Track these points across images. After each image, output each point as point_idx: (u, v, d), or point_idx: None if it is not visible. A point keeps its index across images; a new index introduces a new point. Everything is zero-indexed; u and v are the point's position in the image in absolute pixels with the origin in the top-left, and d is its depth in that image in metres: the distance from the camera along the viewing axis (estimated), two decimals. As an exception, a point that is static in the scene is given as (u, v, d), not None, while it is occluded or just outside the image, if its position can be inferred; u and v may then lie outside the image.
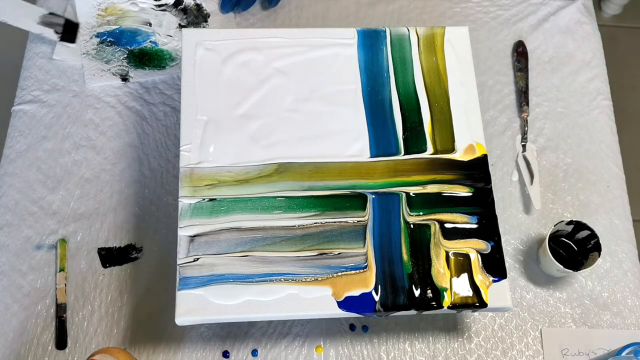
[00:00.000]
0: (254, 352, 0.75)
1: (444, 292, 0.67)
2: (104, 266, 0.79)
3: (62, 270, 0.78)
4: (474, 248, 0.69)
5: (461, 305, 0.66)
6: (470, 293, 0.67)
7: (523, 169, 0.87)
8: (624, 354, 0.65)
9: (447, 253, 0.68)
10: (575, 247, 0.80)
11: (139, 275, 0.79)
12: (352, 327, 0.77)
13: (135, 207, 0.82)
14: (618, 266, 0.82)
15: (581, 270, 0.76)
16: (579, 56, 0.96)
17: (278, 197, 0.70)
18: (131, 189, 0.83)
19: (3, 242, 0.80)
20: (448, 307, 0.66)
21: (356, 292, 0.66)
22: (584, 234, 0.78)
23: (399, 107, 0.76)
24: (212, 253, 0.67)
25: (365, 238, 0.68)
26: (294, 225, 0.69)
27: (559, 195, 0.86)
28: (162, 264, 0.79)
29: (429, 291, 0.67)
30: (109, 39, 0.92)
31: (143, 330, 0.76)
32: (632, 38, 1.69)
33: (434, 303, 0.66)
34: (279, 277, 0.66)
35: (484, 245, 0.69)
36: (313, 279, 0.66)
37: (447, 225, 0.70)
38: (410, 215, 0.70)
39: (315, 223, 0.69)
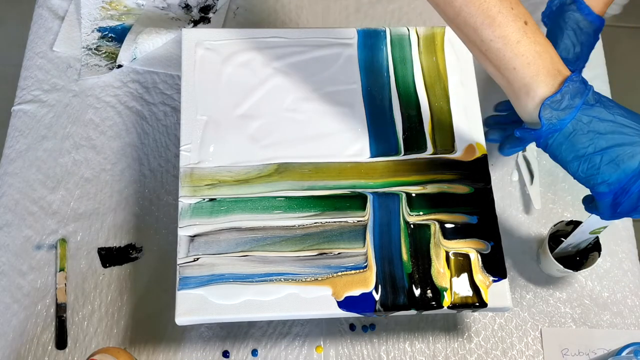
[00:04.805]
0: (254, 352, 0.75)
1: (444, 292, 0.67)
2: (104, 266, 0.79)
3: (62, 270, 0.78)
4: (473, 248, 0.69)
5: (461, 305, 0.66)
6: (470, 293, 0.67)
7: (523, 169, 0.87)
8: (624, 354, 0.65)
9: (447, 253, 0.69)
10: (575, 247, 0.80)
11: (139, 275, 0.79)
12: (352, 327, 0.77)
13: (135, 207, 0.82)
14: (618, 266, 0.82)
15: (581, 270, 0.76)
16: (579, 56, 0.96)
17: (278, 197, 0.70)
18: (131, 189, 0.83)
19: (3, 242, 0.80)
20: (448, 307, 0.66)
21: (356, 292, 0.66)
22: (584, 234, 0.78)
23: (399, 107, 0.76)
24: (212, 253, 0.67)
25: (365, 238, 0.69)
26: (294, 225, 0.69)
27: (559, 195, 0.86)
28: (162, 264, 0.79)
29: (429, 291, 0.67)
30: (110, 35, 0.92)
31: (143, 330, 0.76)
32: (632, 38, 1.69)
33: (434, 303, 0.66)
34: (279, 277, 0.66)
35: (484, 245, 0.69)
36: (313, 279, 0.66)
37: (447, 225, 0.70)
38: (410, 215, 0.70)
39: (315, 223, 0.69)
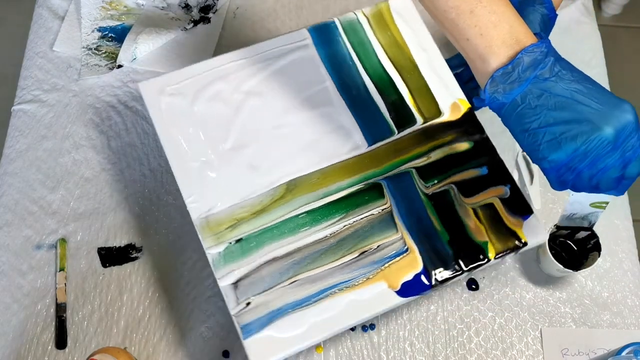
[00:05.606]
0: (254, 352, 0.75)
1: (485, 246, 0.69)
2: (104, 266, 0.79)
3: (62, 269, 0.78)
4: (495, 196, 0.71)
5: (504, 251, 0.69)
6: (508, 238, 0.69)
7: (523, 169, 0.87)
8: (624, 353, 0.65)
9: (473, 210, 0.70)
10: (575, 247, 0.80)
11: (139, 275, 0.79)
12: (351, 327, 0.77)
13: (135, 207, 0.82)
14: (618, 266, 0.82)
15: (581, 270, 0.76)
16: (579, 56, 0.96)
17: (299, 214, 0.70)
18: (131, 189, 0.83)
19: (3, 241, 0.80)
20: (495, 258, 0.68)
21: (409, 276, 0.67)
22: (583, 234, 0.77)
23: (375, 90, 0.76)
24: (260, 291, 0.66)
25: (395, 223, 0.70)
26: (326, 236, 0.69)
27: (559, 195, 0.86)
28: (162, 264, 0.79)
29: (472, 250, 0.69)
30: (110, 34, 0.92)
31: (143, 330, 0.76)
32: (632, 38, 1.69)
33: (480, 258, 0.68)
34: (332, 290, 0.66)
35: (502, 190, 0.72)
36: (365, 279, 0.67)
37: (463, 184, 0.72)
38: (426, 187, 0.72)
39: (345, 226, 0.69)
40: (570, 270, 0.75)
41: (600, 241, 0.76)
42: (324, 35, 0.79)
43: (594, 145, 0.53)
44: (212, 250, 0.67)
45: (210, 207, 0.69)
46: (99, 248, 0.80)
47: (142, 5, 0.95)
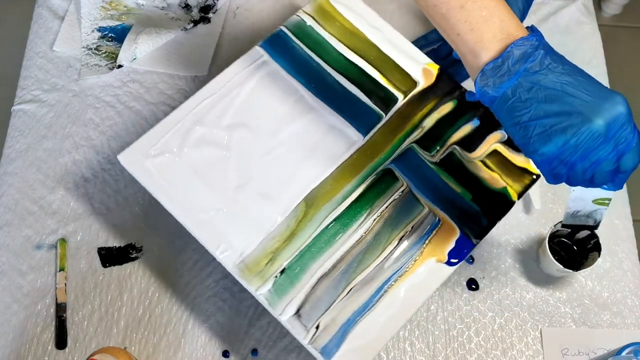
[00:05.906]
0: (254, 352, 0.75)
1: (506, 191, 0.72)
2: (104, 266, 0.79)
3: (62, 269, 0.78)
4: (495, 142, 0.74)
5: (524, 188, 0.73)
6: (522, 176, 0.73)
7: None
8: (624, 353, 0.65)
9: (482, 162, 0.73)
10: (575, 247, 0.80)
11: (139, 275, 0.79)
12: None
13: (135, 207, 0.82)
14: (618, 266, 0.82)
15: (581, 270, 0.76)
16: (579, 56, 0.95)
17: (328, 225, 0.70)
18: (131, 189, 0.83)
19: (3, 241, 0.80)
20: (518, 199, 0.72)
21: (451, 244, 0.70)
22: (583, 233, 0.78)
23: (348, 83, 0.77)
24: (323, 311, 0.66)
25: (418, 200, 0.71)
26: (361, 236, 0.69)
27: (559, 195, 0.86)
28: (162, 264, 0.79)
29: (495, 199, 0.72)
30: (110, 34, 0.92)
31: (143, 330, 0.76)
32: (632, 38, 1.69)
33: (506, 203, 0.72)
34: (388, 284, 0.67)
35: (500, 135, 0.75)
36: (413, 262, 0.68)
37: (463, 142, 0.74)
38: (431, 156, 0.74)
39: (374, 220, 0.70)
40: (570, 270, 0.75)
41: (600, 241, 0.76)
42: (277, 46, 0.78)
43: (584, 137, 0.52)
44: (262, 290, 0.66)
45: (241, 251, 0.68)
46: (99, 248, 0.80)
47: (142, 5, 0.95)
